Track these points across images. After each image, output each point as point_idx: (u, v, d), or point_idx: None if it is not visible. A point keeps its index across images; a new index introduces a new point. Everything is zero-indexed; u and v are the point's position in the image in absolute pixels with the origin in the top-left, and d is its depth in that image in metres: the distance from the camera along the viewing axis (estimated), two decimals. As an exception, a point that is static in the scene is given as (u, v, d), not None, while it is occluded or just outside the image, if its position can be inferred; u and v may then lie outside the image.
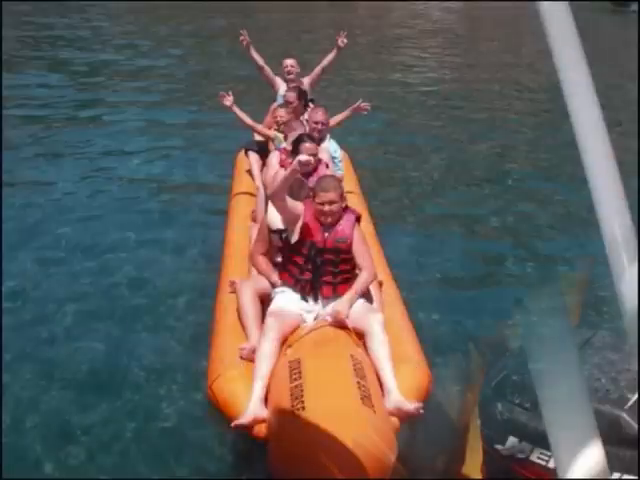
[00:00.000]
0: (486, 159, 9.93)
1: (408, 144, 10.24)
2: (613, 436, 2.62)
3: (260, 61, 7.38)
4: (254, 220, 5.50)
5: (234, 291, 4.30)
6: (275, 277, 4.16)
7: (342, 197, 4.09)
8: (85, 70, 14.30)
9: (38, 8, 21.95)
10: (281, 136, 5.90)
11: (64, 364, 4.40)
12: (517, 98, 14.26)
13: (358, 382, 3.23)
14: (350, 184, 6.25)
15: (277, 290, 4.09)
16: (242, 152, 6.76)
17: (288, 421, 3.10)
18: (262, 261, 4.32)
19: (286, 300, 3.99)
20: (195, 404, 4.00)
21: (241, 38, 7.34)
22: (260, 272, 4.30)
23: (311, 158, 4.11)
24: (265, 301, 4.12)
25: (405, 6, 30.39)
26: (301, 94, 6.43)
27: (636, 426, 2.81)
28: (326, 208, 3.95)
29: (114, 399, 4.06)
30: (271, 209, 4.27)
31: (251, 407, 3.38)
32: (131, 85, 13.22)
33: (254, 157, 6.43)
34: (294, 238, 4.04)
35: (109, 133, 9.91)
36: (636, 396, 2.85)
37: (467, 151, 10.19)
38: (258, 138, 6.65)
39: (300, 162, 3.85)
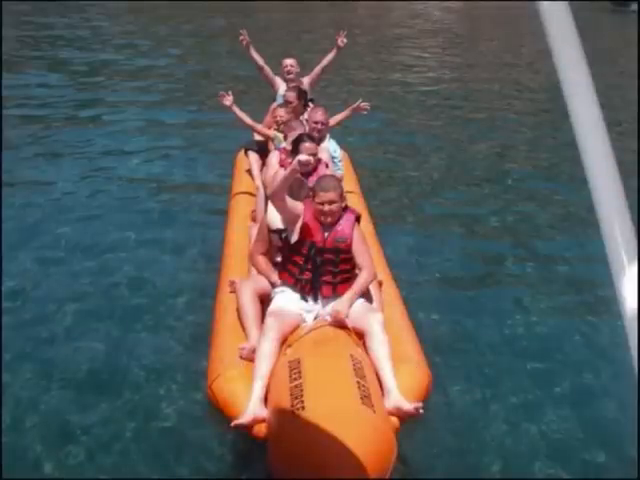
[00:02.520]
0: (486, 159, 9.93)
1: (408, 144, 10.24)
2: None
3: (260, 61, 7.38)
4: (254, 220, 5.50)
5: (234, 291, 4.30)
6: (275, 277, 4.16)
7: (342, 197, 4.09)
8: (85, 70, 14.31)
9: (37, 8, 21.98)
10: (281, 136, 5.90)
11: (64, 364, 4.40)
12: (517, 98, 14.26)
13: (358, 382, 3.23)
14: (350, 184, 6.25)
15: (277, 290, 4.09)
16: (242, 152, 6.76)
17: (288, 421, 3.11)
18: (262, 261, 4.32)
19: (286, 300, 3.99)
20: (195, 404, 4.00)
21: (241, 38, 7.35)
22: (260, 272, 4.30)
23: (311, 158, 4.11)
24: (265, 301, 4.13)
25: (405, 6, 30.40)
26: (301, 94, 6.43)
27: None
28: (326, 208, 3.95)
29: (114, 399, 4.05)
30: (271, 209, 4.27)
31: (251, 407, 3.38)
32: (131, 85, 13.23)
33: (254, 157, 6.43)
34: (294, 238, 4.04)
35: (109, 133, 9.91)
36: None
37: (467, 151, 10.18)
38: (258, 138, 6.65)
39: (300, 162, 3.85)
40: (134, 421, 3.82)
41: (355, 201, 5.73)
